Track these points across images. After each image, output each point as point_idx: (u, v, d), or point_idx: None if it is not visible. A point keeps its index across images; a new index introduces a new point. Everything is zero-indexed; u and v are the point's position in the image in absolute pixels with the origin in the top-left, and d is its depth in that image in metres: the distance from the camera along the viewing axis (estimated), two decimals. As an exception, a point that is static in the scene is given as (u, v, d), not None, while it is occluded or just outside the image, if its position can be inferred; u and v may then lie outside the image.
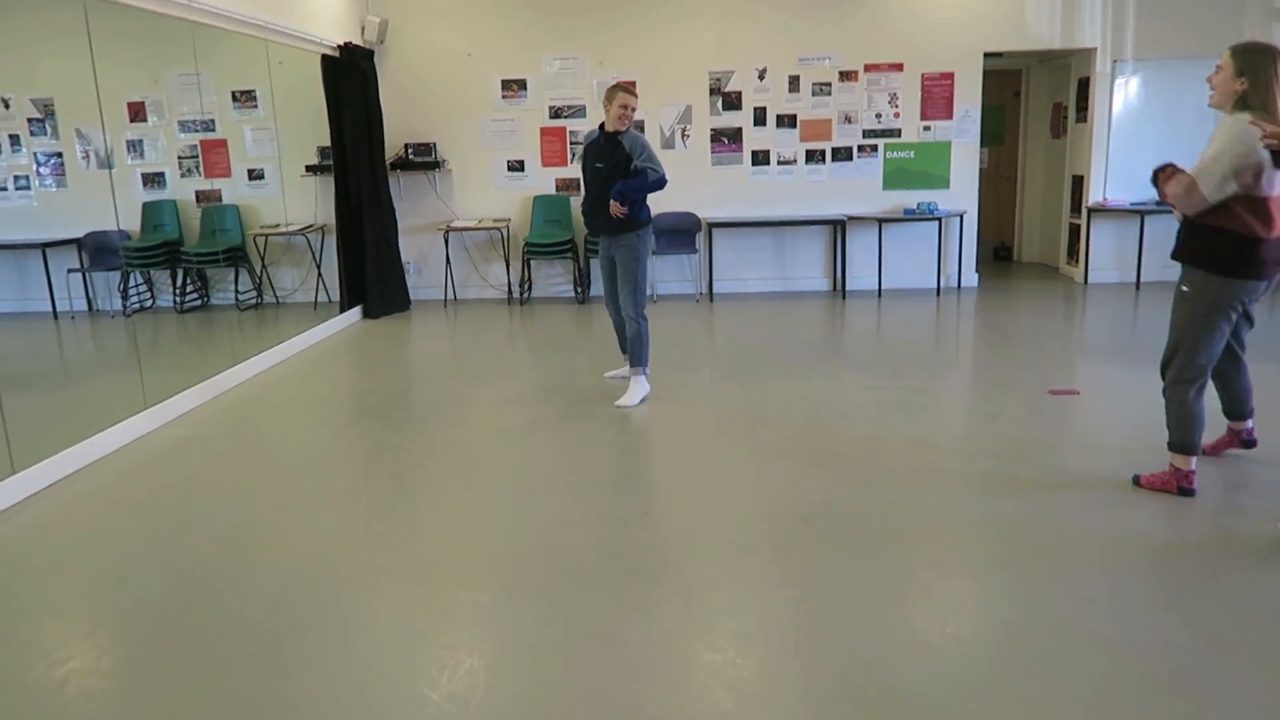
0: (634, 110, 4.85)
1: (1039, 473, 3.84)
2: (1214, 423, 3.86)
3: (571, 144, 8.48)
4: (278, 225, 8.41)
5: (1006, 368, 5.66)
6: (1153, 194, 8.11)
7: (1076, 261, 8.81)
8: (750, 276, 8.60)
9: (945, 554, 3.12)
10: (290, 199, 8.40)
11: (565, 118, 8.43)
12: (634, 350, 5.06)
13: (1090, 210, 8.42)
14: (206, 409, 5.30)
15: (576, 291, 8.56)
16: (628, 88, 4.83)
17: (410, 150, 8.34)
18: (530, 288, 8.65)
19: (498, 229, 8.39)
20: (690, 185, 8.39)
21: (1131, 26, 8.11)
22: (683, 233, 8.45)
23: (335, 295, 8.33)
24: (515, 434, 4.59)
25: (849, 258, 8.43)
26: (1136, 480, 3.67)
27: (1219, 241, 3.36)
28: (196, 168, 8.45)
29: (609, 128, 4.89)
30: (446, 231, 8.35)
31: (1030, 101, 9.85)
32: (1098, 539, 3.18)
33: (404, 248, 8.46)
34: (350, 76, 7.57)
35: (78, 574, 3.16)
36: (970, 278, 8.59)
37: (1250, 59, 3.40)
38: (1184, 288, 3.48)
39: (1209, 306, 3.41)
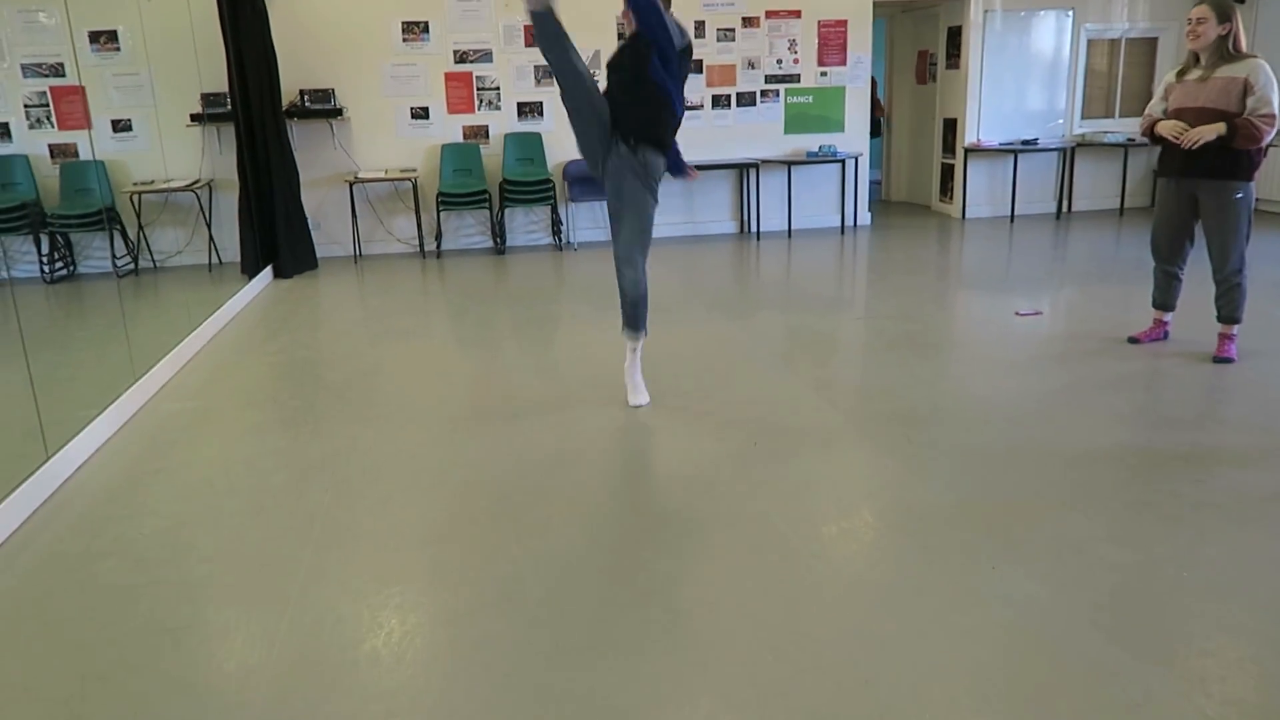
0: None
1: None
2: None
3: (479, 90, 8.19)
4: (153, 182, 7.63)
5: (964, 293, 6.12)
6: (1021, 134, 8.92)
7: (950, 199, 9.53)
8: (660, 221, 8.66)
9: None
10: (168, 152, 7.64)
11: (471, 62, 8.13)
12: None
13: (967, 150, 9.11)
14: (184, 379, 4.82)
15: (495, 242, 8.34)
16: None
17: (306, 97, 7.77)
18: (441, 240, 8.34)
19: (406, 180, 8.00)
20: (602, 131, 8.32)
21: (1000, -21, 8.79)
22: (595, 180, 8.39)
23: (228, 256, 7.69)
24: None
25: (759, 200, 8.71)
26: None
27: (1251, 157, 4.21)
28: (48, 118, 7.52)
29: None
30: (352, 183, 7.88)
31: (895, 50, 10.46)
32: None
33: (304, 202, 7.91)
34: (249, 14, 6.93)
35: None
36: (864, 217, 9.11)
37: (1225, 9, 4.18)
38: (1239, 195, 4.24)
39: (1250, 207, 4.28)
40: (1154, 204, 4.70)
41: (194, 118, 7.51)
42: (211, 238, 7.71)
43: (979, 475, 3.29)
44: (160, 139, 7.52)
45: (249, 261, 7.28)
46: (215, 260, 7.76)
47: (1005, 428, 3.74)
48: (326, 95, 7.81)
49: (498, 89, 8.21)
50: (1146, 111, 4.59)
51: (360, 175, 7.92)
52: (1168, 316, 4.78)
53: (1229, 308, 4.46)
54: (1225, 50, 4.20)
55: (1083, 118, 9.30)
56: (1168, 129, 4.32)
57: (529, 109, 8.29)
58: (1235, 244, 4.34)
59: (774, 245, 8.18)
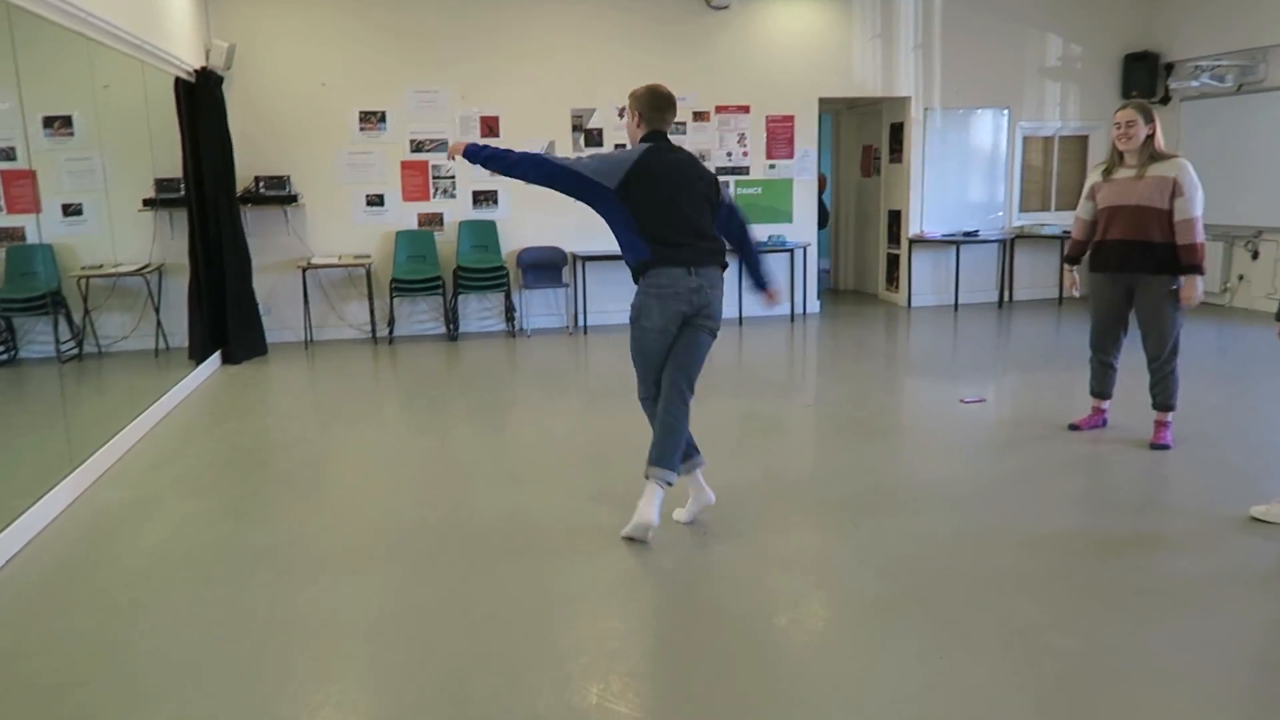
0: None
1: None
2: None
3: (434, 178, 8.30)
4: (101, 266, 7.56)
5: (911, 380, 6.24)
6: (962, 226, 9.24)
7: (896, 288, 9.77)
8: (613, 309, 8.78)
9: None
10: (119, 237, 7.59)
11: (427, 151, 8.25)
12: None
13: (911, 241, 9.40)
14: (125, 466, 4.71)
15: (448, 328, 8.34)
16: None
17: (261, 183, 7.81)
18: (393, 326, 8.33)
19: (360, 266, 8.02)
20: (556, 219, 8.48)
21: (938, 79, 9.20)
22: (550, 267, 8.51)
23: (175, 341, 7.59)
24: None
25: (708, 288, 8.84)
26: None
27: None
28: (-4, 202, 7.46)
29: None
30: (305, 269, 7.88)
31: (841, 144, 10.83)
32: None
33: (255, 287, 7.87)
34: (207, 103, 7.00)
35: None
36: (814, 305, 9.30)
37: (1149, 112, 4.43)
38: (1173, 287, 4.39)
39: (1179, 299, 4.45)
40: (1090, 297, 4.80)
41: (146, 202, 7.48)
42: (160, 322, 7.61)
43: (927, 562, 3.32)
44: (111, 223, 7.48)
45: (197, 347, 7.19)
46: (162, 345, 7.65)
47: (952, 514, 3.78)
48: (282, 182, 7.86)
49: (453, 178, 8.33)
50: (1077, 216, 4.76)
51: (313, 261, 7.93)
52: (1105, 404, 4.90)
53: (1163, 395, 4.59)
54: (1152, 150, 4.40)
55: (1021, 211, 9.66)
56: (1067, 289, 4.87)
57: (484, 197, 8.41)
58: (1170, 334, 4.48)
59: (725, 333, 8.29)
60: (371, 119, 8.12)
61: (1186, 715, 2.35)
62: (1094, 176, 4.65)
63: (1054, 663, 2.60)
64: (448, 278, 8.23)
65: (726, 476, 4.30)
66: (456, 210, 8.38)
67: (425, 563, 3.41)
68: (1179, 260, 4.38)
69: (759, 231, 8.74)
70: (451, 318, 8.34)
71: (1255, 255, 8.60)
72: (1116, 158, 4.53)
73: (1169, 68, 9.33)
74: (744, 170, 8.91)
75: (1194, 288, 4.35)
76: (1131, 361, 4.95)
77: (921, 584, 3.14)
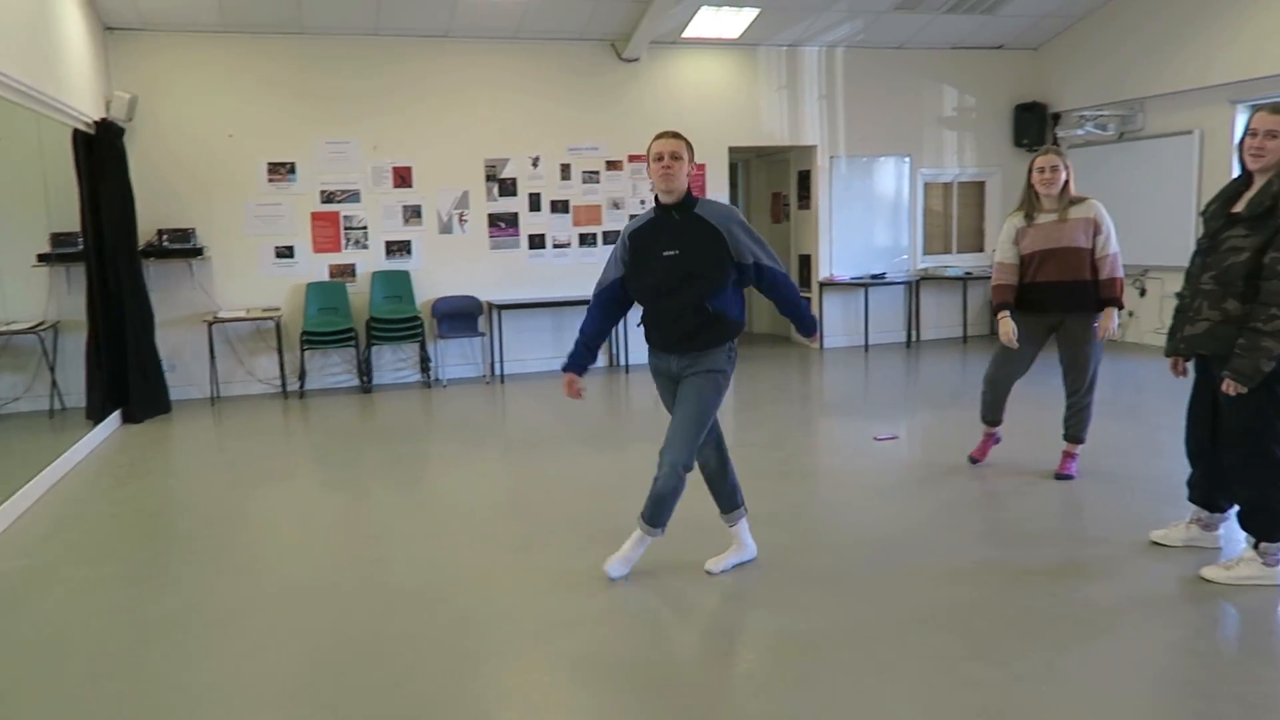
0: (679, 162, 3.43)
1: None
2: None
3: (346, 229, 8.20)
4: (-8, 324, 7.21)
5: (826, 420, 6.35)
6: (870, 269, 9.51)
7: (809, 330, 9.97)
8: (530, 357, 8.76)
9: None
10: (11, 294, 7.26)
11: (338, 202, 8.15)
12: (653, 504, 3.57)
13: (821, 285, 9.62)
14: (16, 535, 4.46)
15: (362, 380, 8.19)
16: (662, 135, 3.53)
17: (165, 237, 7.59)
18: (305, 379, 8.13)
19: (269, 319, 7.84)
20: (470, 269, 8.46)
21: (843, 128, 9.52)
22: (466, 316, 8.45)
23: (72, 401, 7.27)
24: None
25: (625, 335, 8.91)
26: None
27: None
28: (-123, 262, 7.07)
29: (659, 190, 3.50)
30: (211, 323, 7.65)
31: (752, 191, 11.08)
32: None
33: (158, 343, 7.61)
34: (107, 155, 6.80)
35: None
36: (730, 348, 9.41)
37: (1064, 157, 4.56)
38: (1095, 325, 4.51)
39: None
40: (995, 333, 4.87)
41: (41, 258, 7.19)
42: (55, 381, 7.28)
43: (848, 599, 3.35)
44: (1, 280, 7.16)
45: (95, 406, 6.90)
46: (58, 405, 7.31)
47: (871, 551, 3.84)
48: (186, 235, 7.65)
49: (365, 228, 8.24)
50: (999, 261, 4.67)
51: (220, 315, 7.72)
52: (997, 429, 5.01)
53: (1077, 428, 4.72)
54: (1069, 194, 4.50)
55: (925, 253, 10.00)
56: (1006, 336, 4.59)
57: (397, 247, 8.33)
58: (1092, 368, 4.61)
59: (642, 378, 8.32)
60: (281, 170, 8.00)
61: (1101, 739, 2.41)
62: (1015, 221, 4.60)
63: (975, 694, 2.65)
64: (360, 329, 8.10)
65: (648, 522, 4.29)
66: (369, 261, 8.28)
67: (339, 622, 3.31)
68: (1099, 295, 4.49)
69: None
70: (365, 369, 8.19)
71: (1143, 293, 9.05)
72: (1034, 201, 4.55)
73: (1056, 117, 9.84)
74: (658, 218, 9.01)
75: (1112, 319, 4.49)
76: (1030, 391, 5.13)
77: (842, 621, 3.16)
